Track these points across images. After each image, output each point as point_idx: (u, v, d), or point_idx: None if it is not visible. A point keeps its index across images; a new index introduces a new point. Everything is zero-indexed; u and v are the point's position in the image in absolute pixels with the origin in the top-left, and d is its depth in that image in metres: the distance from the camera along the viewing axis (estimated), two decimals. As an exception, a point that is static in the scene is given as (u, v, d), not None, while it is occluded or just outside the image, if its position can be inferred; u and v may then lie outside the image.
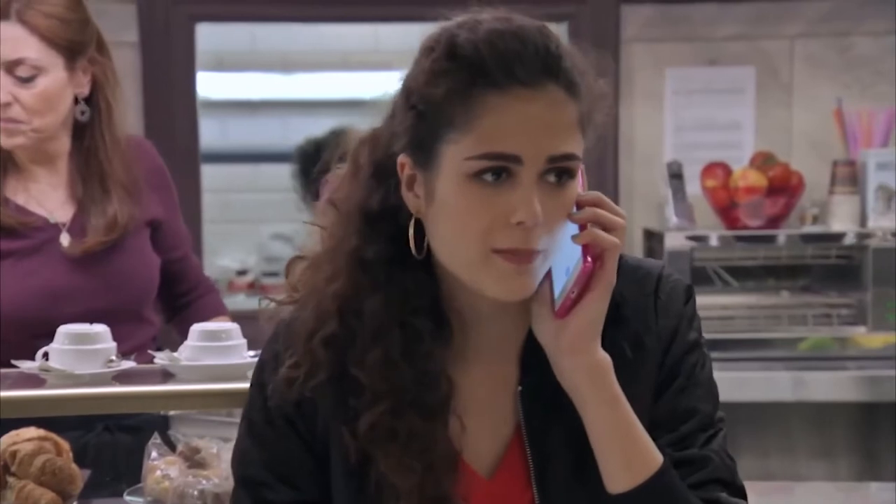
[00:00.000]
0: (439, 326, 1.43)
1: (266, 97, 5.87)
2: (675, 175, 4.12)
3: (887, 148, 4.14)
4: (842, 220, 4.09)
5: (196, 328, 2.07)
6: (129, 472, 2.22)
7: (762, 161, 4.14)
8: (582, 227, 1.38)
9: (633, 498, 1.38)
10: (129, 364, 2.06)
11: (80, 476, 2.14)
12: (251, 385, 1.52)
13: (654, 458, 1.39)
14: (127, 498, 2.14)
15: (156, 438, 2.18)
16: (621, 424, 1.39)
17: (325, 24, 4.98)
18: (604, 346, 1.41)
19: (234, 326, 2.08)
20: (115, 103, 2.56)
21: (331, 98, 5.40)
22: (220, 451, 2.17)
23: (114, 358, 2.04)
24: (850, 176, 4.09)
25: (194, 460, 2.17)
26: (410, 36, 1.45)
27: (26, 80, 2.43)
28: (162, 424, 2.33)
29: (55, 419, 2.15)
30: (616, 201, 4.46)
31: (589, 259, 1.36)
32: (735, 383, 3.91)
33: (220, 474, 2.13)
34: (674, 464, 1.41)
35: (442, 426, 1.41)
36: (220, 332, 2.07)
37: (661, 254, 4.00)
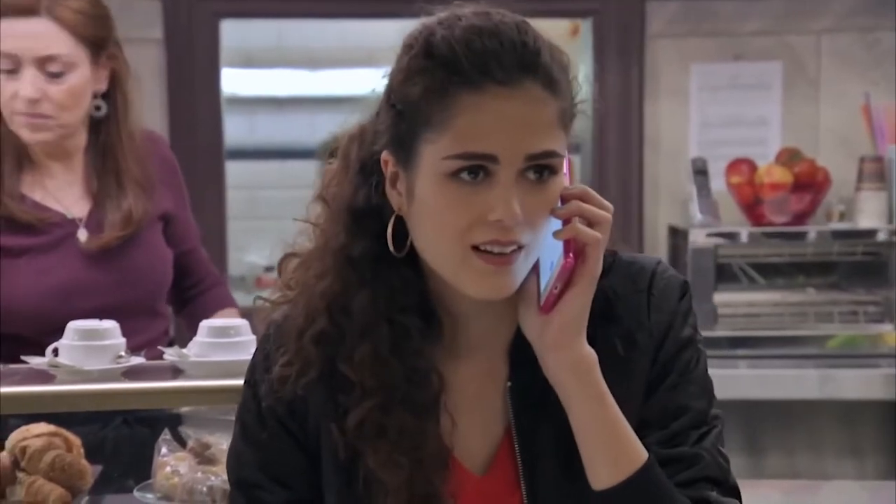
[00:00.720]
0: (428, 323, 1.42)
1: (293, 94, 5.88)
2: (700, 171, 4.09)
3: (916, 144, 4.10)
4: (869, 217, 4.05)
5: (205, 324, 2.08)
6: (145, 467, 2.22)
7: (788, 157, 4.11)
8: (566, 223, 1.37)
9: (617, 494, 1.37)
10: (137, 360, 2.06)
11: (90, 471, 2.14)
12: (244, 386, 1.52)
13: (639, 454, 1.38)
14: (137, 494, 2.15)
15: (166, 434, 2.18)
16: (606, 420, 1.38)
17: (352, 20, 4.98)
18: (596, 343, 1.40)
19: (242, 322, 2.09)
20: (132, 99, 2.57)
21: (357, 94, 5.41)
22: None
23: (123, 354, 2.04)
24: (877, 172, 4.05)
25: (204, 456, 2.17)
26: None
27: (56, 76, 2.44)
28: (176, 419, 2.33)
29: (71, 413, 2.16)
30: (641, 198, 4.43)
31: (571, 255, 1.35)
32: (761, 381, 3.89)
33: (229, 471, 2.13)
34: (663, 461, 1.39)
35: (432, 423, 1.40)
36: (228, 328, 2.07)
37: (685, 251, 3.98)
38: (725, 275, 4.12)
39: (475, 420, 1.44)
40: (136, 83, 2.59)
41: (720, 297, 4.00)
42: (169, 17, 4.25)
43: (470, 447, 1.44)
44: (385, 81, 1.41)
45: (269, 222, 5.76)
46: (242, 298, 3.12)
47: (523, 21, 1.36)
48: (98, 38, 2.48)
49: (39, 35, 2.42)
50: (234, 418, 1.53)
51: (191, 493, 2.10)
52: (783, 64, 4.33)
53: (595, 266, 1.37)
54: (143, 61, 4.22)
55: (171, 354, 2.06)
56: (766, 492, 3.31)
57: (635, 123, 4.32)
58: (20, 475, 2.10)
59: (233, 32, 4.58)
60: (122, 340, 2.05)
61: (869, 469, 4.02)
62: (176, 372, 2.05)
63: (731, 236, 4.04)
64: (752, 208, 4.09)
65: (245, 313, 2.39)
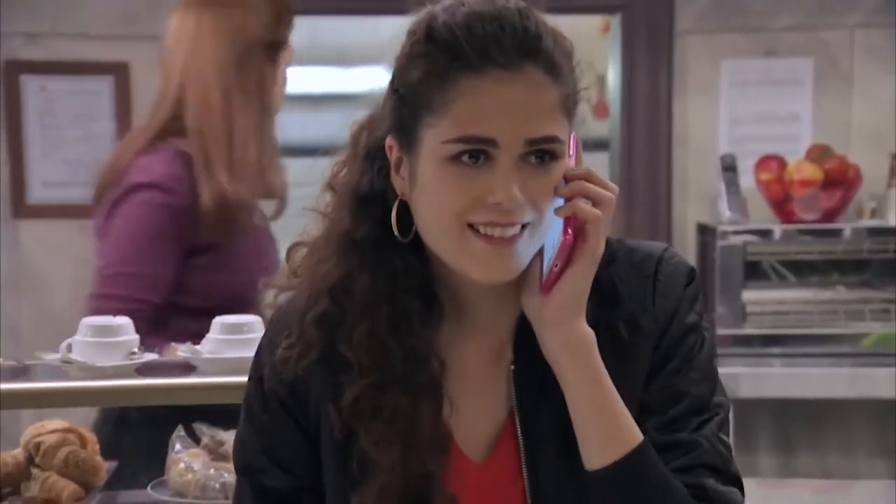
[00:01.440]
0: (430, 307, 1.43)
1: (327, 91, 5.89)
2: (729, 168, 4.06)
3: (949, 140, 4.06)
4: (901, 214, 4.02)
5: (218, 321, 2.07)
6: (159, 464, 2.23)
7: (818, 154, 4.07)
8: (568, 202, 1.37)
9: (608, 475, 1.36)
10: (150, 356, 2.06)
11: (105, 468, 2.15)
12: (250, 370, 1.53)
13: (633, 437, 1.37)
14: (150, 490, 2.15)
15: (179, 431, 2.19)
16: (600, 401, 1.37)
17: (385, 16, 4.98)
18: (599, 326, 1.40)
19: (255, 319, 2.08)
20: None
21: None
22: (244, 444, 2.18)
23: (136, 350, 2.04)
24: (909, 169, 4.03)
25: (218, 453, 2.18)
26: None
27: None
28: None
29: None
30: (669, 195, 4.39)
31: (570, 231, 1.36)
32: (792, 380, 3.87)
33: (242, 467, 2.13)
34: (661, 447, 1.38)
35: (429, 405, 1.40)
36: (241, 324, 2.07)
37: (714, 248, 3.96)
38: (755, 272, 4.09)
39: (478, 406, 1.44)
40: None
41: (748, 295, 3.97)
42: (198, 15, 4.25)
43: (472, 434, 1.44)
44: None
45: (301, 219, 5.79)
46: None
47: (526, 6, 1.36)
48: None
49: None
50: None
51: (204, 490, 2.11)
52: (815, 60, 4.29)
53: (595, 245, 1.37)
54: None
55: (184, 351, 2.06)
56: (798, 491, 3.30)
57: (664, 120, 4.29)
58: (34, 471, 2.11)
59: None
60: (136, 337, 2.05)
61: (902, 469, 4.00)
62: (189, 368, 2.06)
63: (764, 233, 4.02)
64: (781, 205, 4.06)
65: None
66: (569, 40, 1.38)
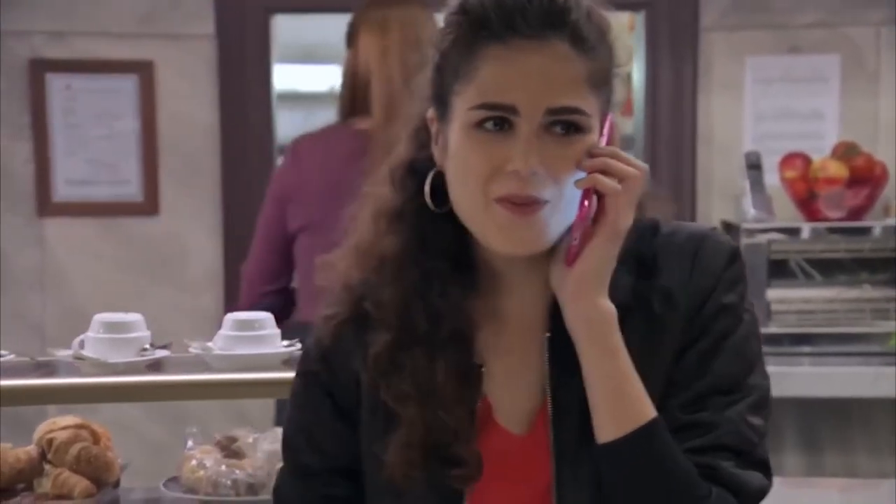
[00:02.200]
0: (461, 272, 1.44)
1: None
2: (754, 166, 4.03)
3: (977, 138, 4.02)
4: (928, 212, 3.98)
5: (229, 317, 2.08)
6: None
7: (844, 151, 4.03)
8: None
9: (617, 448, 1.37)
10: (162, 353, 2.07)
11: (117, 464, 2.15)
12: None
13: (645, 412, 1.37)
14: (162, 487, 2.15)
15: (192, 428, 2.19)
16: (615, 375, 1.37)
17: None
18: (636, 297, 1.41)
19: (267, 316, 2.08)
20: None
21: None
22: (256, 441, 2.18)
23: (147, 347, 2.04)
24: (937, 166, 3.99)
25: (231, 450, 2.18)
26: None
27: None
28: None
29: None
30: (693, 193, 4.36)
31: (585, 204, 1.36)
32: (818, 378, 3.84)
33: (254, 464, 2.13)
34: (680, 426, 1.38)
35: (451, 363, 1.42)
36: (253, 321, 2.07)
37: (738, 245, 3.92)
38: (779, 271, 4.05)
39: (517, 381, 1.45)
40: None
41: (773, 294, 3.94)
42: (220, 13, 4.26)
43: (511, 408, 1.45)
44: None
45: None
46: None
47: None
48: None
49: None
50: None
51: (215, 487, 2.11)
52: (841, 56, 4.25)
53: (615, 219, 1.37)
54: (195, 57, 4.25)
55: (195, 347, 2.06)
56: (824, 490, 3.27)
57: (688, 117, 4.27)
58: (47, 467, 2.11)
59: (291, 28, 4.58)
60: (147, 333, 2.06)
61: (930, 468, 3.96)
62: (200, 365, 2.05)
63: (792, 232, 3.98)
64: (805, 203, 4.03)
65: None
66: (605, 18, 1.40)
